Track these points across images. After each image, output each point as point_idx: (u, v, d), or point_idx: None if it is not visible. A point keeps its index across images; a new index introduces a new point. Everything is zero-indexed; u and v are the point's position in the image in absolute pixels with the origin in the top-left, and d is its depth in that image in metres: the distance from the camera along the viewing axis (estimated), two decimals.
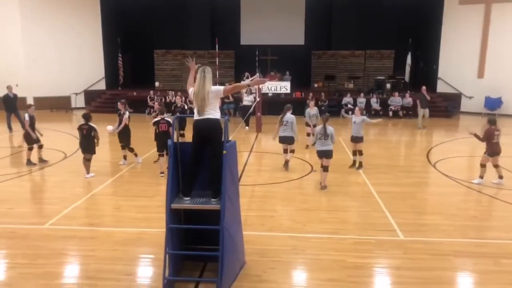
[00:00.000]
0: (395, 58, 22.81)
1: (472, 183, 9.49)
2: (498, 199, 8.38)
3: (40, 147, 11.06)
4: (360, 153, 10.53)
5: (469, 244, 6.35)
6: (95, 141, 9.77)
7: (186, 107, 11.79)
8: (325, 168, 9.00)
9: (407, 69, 21.60)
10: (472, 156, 12.90)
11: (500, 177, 9.42)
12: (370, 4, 22.87)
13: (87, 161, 9.83)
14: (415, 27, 22.79)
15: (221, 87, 5.21)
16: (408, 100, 19.37)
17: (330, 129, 8.81)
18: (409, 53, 21.49)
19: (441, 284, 5.26)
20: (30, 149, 10.90)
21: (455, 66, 20.76)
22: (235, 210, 5.40)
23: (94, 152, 9.90)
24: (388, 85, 20.83)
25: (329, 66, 23.37)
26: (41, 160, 11.01)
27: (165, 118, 9.92)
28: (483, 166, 9.55)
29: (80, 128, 9.76)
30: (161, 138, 9.74)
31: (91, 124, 9.71)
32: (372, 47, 22.89)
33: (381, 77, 21.56)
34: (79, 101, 22.36)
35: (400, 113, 19.08)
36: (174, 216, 5.05)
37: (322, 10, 23.90)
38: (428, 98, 16.79)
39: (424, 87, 17.13)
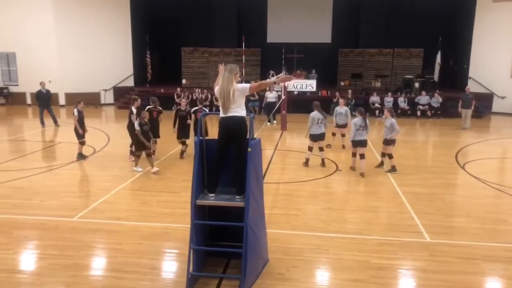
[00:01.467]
0: (424, 56, 22.36)
1: None
2: None
3: (82, 143, 11.30)
4: (390, 156, 10.22)
5: (498, 248, 6.19)
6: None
7: (191, 110, 11.20)
8: (362, 156, 9.83)
9: (437, 68, 21.12)
10: (503, 158, 12.55)
11: None
12: (398, 1, 22.46)
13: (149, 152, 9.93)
14: (445, 25, 22.27)
15: (247, 85, 5.23)
16: (437, 99, 18.95)
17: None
18: (439, 52, 20.98)
19: None
20: (82, 143, 11.20)
21: (487, 65, 20.19)
22: (259, 207, 5.43)
23: (159, 136, 10.87)
24: (417, 84, 20.43)
25: (356, 65, 23.11)
26: (81, 156, 11.26)
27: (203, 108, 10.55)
28: None
29: (149, 111, 10.54)
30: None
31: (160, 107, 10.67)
32: (400, 45, 22.50)
33: (410, 76, 21.16)
34: (108, 97, 22.86)
35: (429, 112, 18.69)
36: (199, 212, 5.11)
37: (350, 8, 23.64)
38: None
39: (468, 87, 16.85)
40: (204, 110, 10.37)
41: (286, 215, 7.40)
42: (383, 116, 10.95)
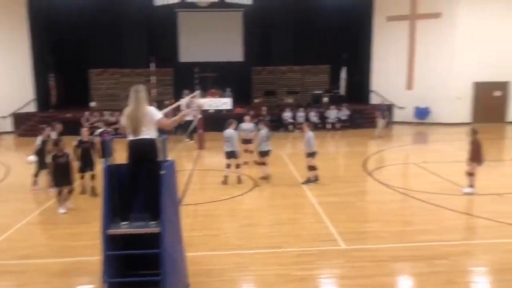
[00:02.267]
0: (331, 72, 23.70)
1: (464, 193, 9.44)
2: (430, 204, 8.82)
3: None
4: (311, 168, 10.45)
5: (405, 248, 6.64)
6: None
7: (94, 141, 10.02)
8: (266, 163, 10.79)
9: (342, 83, 22.49)
10: (406, 163, 13.60)
11: (471, 185, 9.49)
12: (305, 21, 23.65)
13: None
14: (348, 42, 23.83)
15: (158, 116, 5.02)
16: (345, 112, 20.12)
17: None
18: (343, 68, 22.39)
19: None
20: None
21: (386, 78, 21.88)
22: (177, 231, 5.28)
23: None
24: (325, 99, 21.54)
25: (269, 82, 23.81)
26: None
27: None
28: (471, 174, 9.49)
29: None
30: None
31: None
32: (308, 62, 23.64)
33: (318, 91, 22.27)
34: (5, 125, 20.96)
35: (338, 125, 19.74)
36: (112, 242, 4.84)
37: (260, 27, 24.38)
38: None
39: (382, 100, 17.99)
40: (109, 132, 9.61)
41: (206, 236, 7.30)
42: (301, 131, 11.41)
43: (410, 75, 21.58)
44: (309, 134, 10.33)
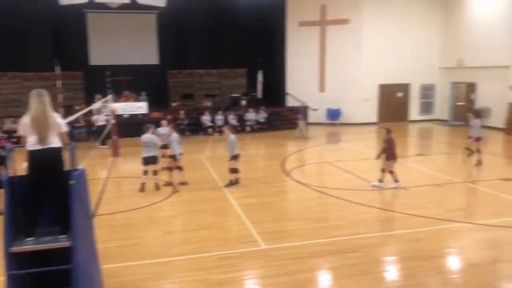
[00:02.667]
0: (248, 76, 24.06)
1: (391, 187, 9.94)
2: (344, 200, 9.30)
3: None
4: (234, 170, 10.48)
5: (322, 244, 6.91)
6: None
7: None
8: (181, 167, 10.70)
9: (259, 86, 22.95)
10: (321, 162, 14.18)
11: (396, 181, 10.02)
12: (221, 25, 23.73)
13: None
14: (263, 46, 24.34)
15: (64, 129, 4.79)
16: (262, 115, 20.53)
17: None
18: (260, 71, 22.85)
19: (300, 286, 5.60)
20: None
21: (300, 82, 22.72)
22: (90, 244, 4.99)
23: None
24: (243, 102, 21.82)
25: (186, 85, 23.56)
26: None
27: None
28: (392, 172, 10.03)
29: None
30: None
31: None
32: (226, 66, 23.79)
33: (236, 95, 22.50)
34: None
35: (256, 127, 20.07)
36: (16, 261, 4.43)
37: (174, 30, 23.97)
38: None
39: (306, 103, 18.52)
40: (7, 139, 8.76)
41: (124, 246, 7.00)
42: (221, 134, 11.38)
43: (322, 78, 22.63)
44: (231, 137, 10.37)
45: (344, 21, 21.72)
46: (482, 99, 20.00)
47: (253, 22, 23.16)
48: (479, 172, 11.72)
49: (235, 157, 10.36)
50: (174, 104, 22.55)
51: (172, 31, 23.73)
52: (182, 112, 19.51)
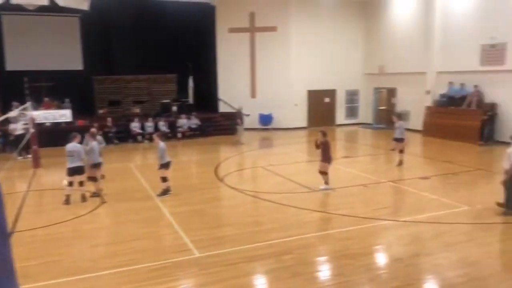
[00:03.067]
0: (178, 81, 23.70)
1: (321, 189, 10.26)
2: (277, 203, 9.44)
3: None
4: (164, 179, 10.25)
5: (256, 248, 6.94)
6: None
7: None
8: (97, 177, 10.33)
9: (190, 91, 22.69)
10: (254, 167, 14.32)
11: (327, 182, 10.38)
12: (149, 30, 23.19)
13: None
14: (194, 51, 24.16)
15: None
16: (194, 121, 20.32)
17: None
18: (191, 77, 22.61)
19: None
20: None
21: (232, 87, 22.81)
22: (6, 264, 4.58)
23: None
24: (174, 108, 21.46)
25: (113, 92, 22.67)
26: None
27: None
28: (323, 173, 10.30)
29: None
30: None
31: None
32: (155, 71, 23.27)
33: (167, 101, 22.08)
34: None
35: (188, 133, 19.82)
36: None
37: (99, 34, 23.05)
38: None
39: (240, 106, 19.05)
40: None
41: (46, 264, 6.53)
42: (151, 142, 11.08)
43: (253, 84, 22.90)
44: (161, 145, 10.09)
45: (272, 28, 22.19)
46: (402, 103, 21.37)
47: (183, 27, 22.89)
48: (400, 172, 12.47)
49: (164, 165, 10.12)
50: (101, 111, 21.64)
51: (97, 36, 22.80)
52: (109, 119, 18.77)
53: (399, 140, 13.08)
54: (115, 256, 6.76)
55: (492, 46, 16.48)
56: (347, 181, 11.23)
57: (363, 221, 8.14)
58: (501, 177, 8.60)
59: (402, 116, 15.23)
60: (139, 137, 19.03)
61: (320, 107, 23.42)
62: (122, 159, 15.45)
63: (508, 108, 16.12)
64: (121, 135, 18.95)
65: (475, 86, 17.04)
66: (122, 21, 22.34)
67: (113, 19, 22.10)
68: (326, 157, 10.35)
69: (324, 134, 10.47)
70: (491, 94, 16.75)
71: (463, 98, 17.53)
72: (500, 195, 8.42)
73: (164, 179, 10.19)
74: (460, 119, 17.31)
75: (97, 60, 22.86)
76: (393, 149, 13.56)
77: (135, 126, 19.29)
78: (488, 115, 16.30)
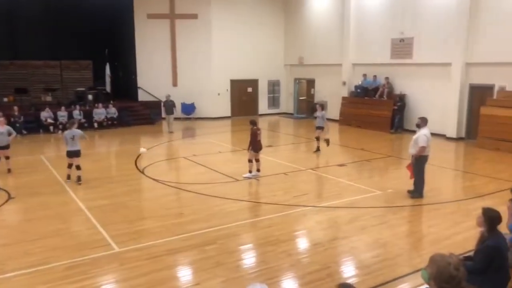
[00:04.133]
0: (94, 69, 22.45)
1: (244, 177, 10.41)
2: (200, 193, 9.37)
3: None
4: (78, 167, 10.14)
5: (178, 240, 6.85)
6: None
7: None
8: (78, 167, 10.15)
9: (108, 79, 21.59)
10: (176, 157, 14.07)
11: (258, 170, 10.61)
12: (62, 14, 21.64)
13: None
14: (110, 37, 23.01)
15: None
16: (112, 110, 19.43)
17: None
18: (107, 64, 21.51)
19: (158, 286, 5.45)
20: None
21: (152, 75, 22.04)
22: None
23: None
24: (90, 97, 20.31)
25: (19, 78, 20.83)
26: None
27: None
28: (251, 161, 10.51)
29: None
30: None
31: None
32: (68, 57, 21.81)
33: (82, 89, 20.83)
34: None
35: (105, 123, 18.91)
36: None
37: (3, 15, 21.07)
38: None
39: (168, 95, 18.70)
40: None
41: None
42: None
43: (174, 73, 22.37)
44: (73, 132, 10.02)
45: (193, 16, 21.78)
46: (320, 94, 22.20)
47: (99, 11, 21.71)
48: (319, 160, 12.99)
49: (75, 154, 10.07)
50: (5, 99, 19.88)
51: (0, 16, 20.84)
52: (16, 108, 17.31)
53: (319, 128, 13.65)
54: (25, 256, 6.28)
55: (401, 40, 17.68)
56: (270, 170, 11.44)
57: (284, 208, 8.37)
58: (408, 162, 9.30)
59: (324, 106, 15.86)
60: (51, 127, 17.79)
61: (243, 96, 23.57)
62: (32, 151, 14.36)
63: (415, 99, 17.43)
64: (30, 125, 17.58)
65: (386, 78, 18.19)
66: (31, 3, 20.61)
67: (20, 1, 20.32)
68: (253, 146, 10.48)
69: (252, 122, 10.67)
70: (401, 86, 17.99)
71: (376, 89, 18.63)
72: (408, 181, 9.12)
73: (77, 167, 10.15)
74: (373, 109, 18.42)
75: (0, 43, 20.93)
76: (316, 137, 14.09)
77: (46, 115, 17.97)
78: (397, 105, 17.50)
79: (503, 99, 14.11)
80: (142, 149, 12.22)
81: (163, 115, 19.23)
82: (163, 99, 19.18)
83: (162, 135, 18.11)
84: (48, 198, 9.08)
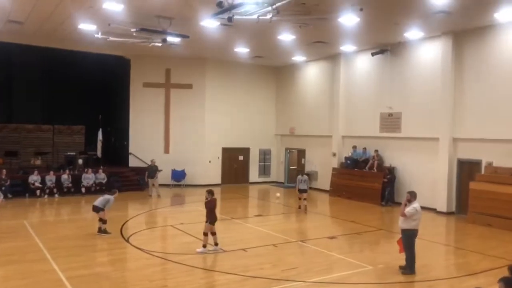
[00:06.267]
0: (86, 133, 22.61)
1: (198, 252, 9.86)
2: (185, 265, 9.02)
3: None
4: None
5: None
6: None
7: None
8: None
9: (99, 144, 21.65)
10: (164, 226, 13.75)
11: (216, 244, 10.10)
12: (59, 79, 22.21)
13: None
14: (105, 103, 23.40)
15: None
16: (102, 175, 19.27)
17: None
18: (100, 129, 21.67)
19: None
20: None
21: (145, 142, 22.18)
22: None
23: None
24: (80, 161, 20.23)
25: (11, 141, 20.86)
26: None
27: None
28: (206, 234, 9.95)
29: None
30: None
31: None
32: (61, 122, 22.04)
33: (72, 153, 20.81)
34: None
35: (93, 189, 18.64)
36: None
37: None
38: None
39: (153, 159, 19.40)
40: None
41: None
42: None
43: (166, 139, 22.55)
44: None
45: (188, 86, 22.43)
46: (311, 163, 22.35)
47: (95, 79, 22.31)
48: (310, 231, 12.75)
49: None
50: None
51: None
52: (4, 171, 17.13)
53: (303, 191, 15.54)
54: None
55: (390, 115, 18.19)
56: (258, 241, 11.17)
57: (272, 283, 8.04)
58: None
59: (304, 172, 17.23)
60: (38, 191, 17.49)
61: (234, 164, 23.65)
62: (15, 215, 13.99)
63: (405, 172, 17.56)
64: (17, 189, 17.29)
65: (376, 151, 18.46)
66: (27, 68, 21.23)
67: (16, 65, 20.96)
68: (211, 218, 10.10)
69: (210, 192, 10.33)
70: (390, 159, 18.21)
71: (366, 161, 18.82)
72: (399, 256, 8.91)
73: None
74: (364, 180, 18.47)
75: None
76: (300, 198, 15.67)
77: (34, 179, 17.73)
78: (387, 178, 17.59)
79: (491, 174, 14.26)
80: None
81: (146, 179, 19.15)
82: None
83: (150, 201, 17.83)
84: (26, 266, 8.68)
